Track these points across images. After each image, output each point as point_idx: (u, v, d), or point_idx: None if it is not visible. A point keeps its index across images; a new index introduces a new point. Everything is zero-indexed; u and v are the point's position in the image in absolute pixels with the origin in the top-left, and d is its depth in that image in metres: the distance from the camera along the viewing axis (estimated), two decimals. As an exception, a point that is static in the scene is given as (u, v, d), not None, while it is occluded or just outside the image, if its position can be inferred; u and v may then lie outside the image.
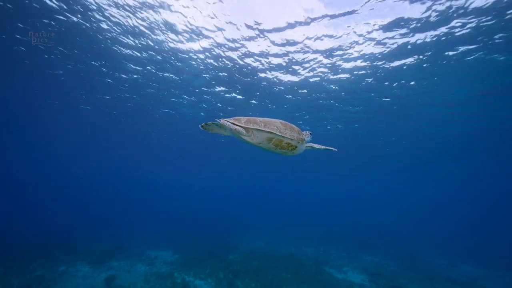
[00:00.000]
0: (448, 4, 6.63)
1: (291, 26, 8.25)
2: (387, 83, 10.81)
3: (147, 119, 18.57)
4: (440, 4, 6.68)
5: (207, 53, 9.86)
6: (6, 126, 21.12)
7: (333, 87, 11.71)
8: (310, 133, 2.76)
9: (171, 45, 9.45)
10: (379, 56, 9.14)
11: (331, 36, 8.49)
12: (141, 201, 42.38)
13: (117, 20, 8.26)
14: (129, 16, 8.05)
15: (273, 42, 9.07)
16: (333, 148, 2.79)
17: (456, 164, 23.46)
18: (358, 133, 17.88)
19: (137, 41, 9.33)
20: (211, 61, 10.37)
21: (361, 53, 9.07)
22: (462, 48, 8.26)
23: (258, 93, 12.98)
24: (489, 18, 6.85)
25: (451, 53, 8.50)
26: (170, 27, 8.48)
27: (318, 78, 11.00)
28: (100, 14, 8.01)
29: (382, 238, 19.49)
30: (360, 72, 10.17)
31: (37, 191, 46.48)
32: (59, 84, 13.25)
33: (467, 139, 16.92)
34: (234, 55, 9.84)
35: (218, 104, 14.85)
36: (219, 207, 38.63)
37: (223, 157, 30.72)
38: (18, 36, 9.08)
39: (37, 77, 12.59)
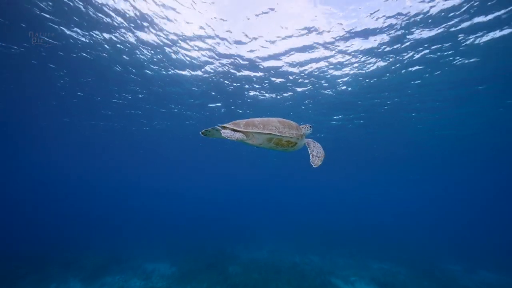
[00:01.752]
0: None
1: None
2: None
3: (146, 126, 18.34)
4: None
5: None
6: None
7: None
8: (311, 126, 2.73)
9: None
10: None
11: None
12: (140, 209, 41.70)
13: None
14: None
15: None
16: (315, 162, 2.47)
17: (470, 163, 22.43)
18: (358, 134, 17.32)
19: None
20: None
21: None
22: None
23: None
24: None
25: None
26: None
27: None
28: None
29: (391, 242, 18.55)
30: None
31: (31, 200, 45.33)
32: (56, 88, 13.06)
33: (476, 139, 16.19)
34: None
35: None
36: (221, 214, 37.96)
37: (226, 163, 30.32)
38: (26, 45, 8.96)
39: (35, 80, 12.31)
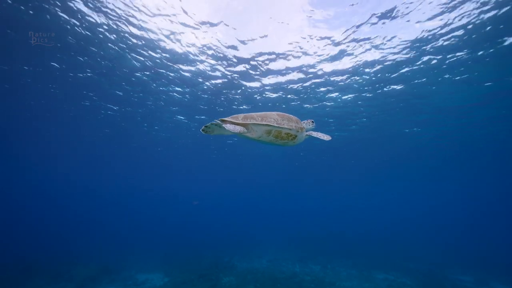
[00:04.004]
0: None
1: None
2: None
3: (141, 130, 17.99)
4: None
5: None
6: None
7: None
8: (313, 121, 2.77)
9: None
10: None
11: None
12: (135, 217, 40.60)
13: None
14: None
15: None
16: (326, 137, 2.70)
17: (476, 168, 21.58)
18: (360, 138, 16.79)
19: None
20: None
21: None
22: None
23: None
24: None
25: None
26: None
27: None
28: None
29: (395, 250, 17.71)
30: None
31: (20, 208, 44.19)
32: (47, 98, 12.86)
33: (484, 144, 15.53)
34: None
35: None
36: (221, 222, 37.22)
37: (227, 169, 29.84)
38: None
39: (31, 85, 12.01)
